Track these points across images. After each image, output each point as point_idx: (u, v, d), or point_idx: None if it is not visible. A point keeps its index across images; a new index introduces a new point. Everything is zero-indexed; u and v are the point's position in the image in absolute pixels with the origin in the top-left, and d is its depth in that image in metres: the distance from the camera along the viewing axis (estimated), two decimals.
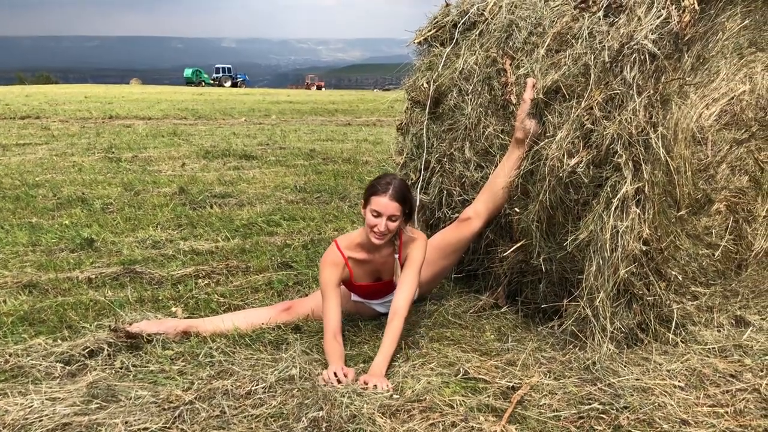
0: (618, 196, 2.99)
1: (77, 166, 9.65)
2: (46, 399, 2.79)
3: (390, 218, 3.28)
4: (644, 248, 3.04)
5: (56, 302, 4.04)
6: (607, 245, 3.02)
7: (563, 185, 3.18)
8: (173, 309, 3.99)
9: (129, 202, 7.13)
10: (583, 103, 3.12)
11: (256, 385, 2.92)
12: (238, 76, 63.58)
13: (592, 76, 3.14)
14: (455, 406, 2.71)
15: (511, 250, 3.61)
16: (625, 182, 2.98)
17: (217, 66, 64.63)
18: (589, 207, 3.14)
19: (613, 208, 3.00)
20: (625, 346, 3.20)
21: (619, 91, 3.04)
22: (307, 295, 4.05)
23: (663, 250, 3.22)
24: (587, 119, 3.09)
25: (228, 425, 2.60)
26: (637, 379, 2.94)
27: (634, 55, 3.00)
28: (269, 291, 4.35)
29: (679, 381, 2.96)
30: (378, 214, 3.27)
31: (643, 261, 3.15)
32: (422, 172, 4.09)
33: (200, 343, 3.42)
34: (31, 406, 2.73)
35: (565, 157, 3.11)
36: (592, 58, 3.18)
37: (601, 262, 3.06)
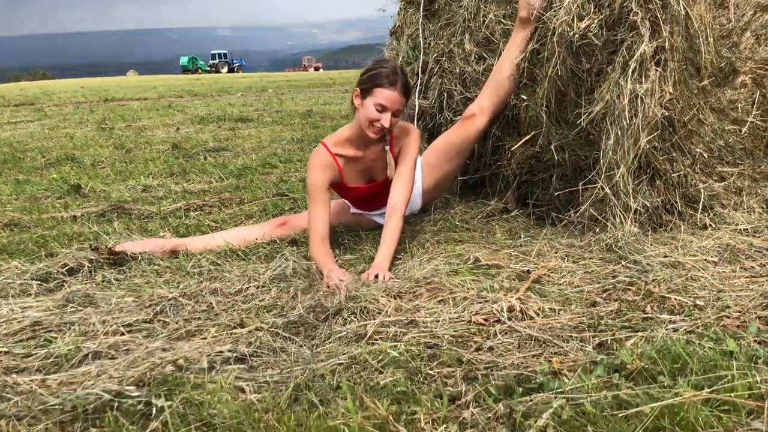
0: (635, 57, 2.71)
1: (69, 136, 9.40)
2: (18, 308, 2.54)
3: (394, 113, 3.01)
4: (666, 114, 2.75)
5: (37, 234, 3.79)
6: (626, 112, 2.74)
7: (574, 54, 2.89)
8: (162, 234, 3.73)
9: (120, 159, 6.88)
10: None
11: (248, 284, 2.67)
12: (235, 61, 62.99)
13: None
14: (466, 286, 2.45)
15: (520, 143, 3.33)
16: (643, 41, 2.69)
17: (213, 52, 63.96)
18: (604, 76, 2.86)
19: (630, 71, 2.72)
20: (650, 229, 2.92)
21: None
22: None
23: (686, 123, 2.93)
24: None
25: (216, 317, 2.34)
26: (665, 256, 2.67)
27: None
28: (264, 216, 4.08)
29: (711, 257, 2.69)
30: (383, 108, 2.98)
31: (665, 134, 2.87)
32: (420, 75, 3.80)
33: (189, 259, 3.17)
34: (1, 311, 2.48)
35: (575, 21, 2.82)
36: None
37: (619, 133, 2.78)
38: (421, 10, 3.78)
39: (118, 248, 3.23)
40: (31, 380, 1.81)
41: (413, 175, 3.14)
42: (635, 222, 2.85)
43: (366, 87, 3.05)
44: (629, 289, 2.37)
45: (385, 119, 2.98)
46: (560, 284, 2.47)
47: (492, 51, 3.48)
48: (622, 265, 2.61)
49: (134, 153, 7.26)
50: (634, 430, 1.36)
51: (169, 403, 1.62)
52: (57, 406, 1.65)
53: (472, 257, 2.76)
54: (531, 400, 1.50)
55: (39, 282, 2.89)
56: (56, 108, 15.68)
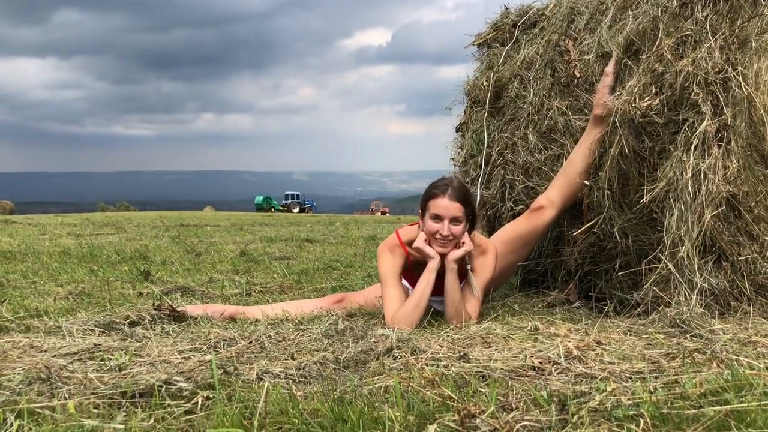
0: (696, 134, 2.74)
1: (144, 245, 9.82)
2: (79, 338, 2.61)
3: (453, 221, 2.99)
4: (731, 190, 2.73)
5: (104, 299, 3.92)
6: (689, 187, 2.73)
7: (636, 133, 2.95)
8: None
9: (190, 260, 7.12)
10: (653, 49, 2.94)
11: (302, 336, 2.67)
12: (307, 202, 65.35)
13: (661, 26, 2.98)
14: (523, 347, 2.38)
15: (582, 229, 3.33)
16: (704, 119, 2.74)
17: (286, 193, 66.70)
18: (667, 154, 2.89)
19: (693, 148, 2.74)
20: (716, 312, 2.81)
21: (690, 32, 2.87)
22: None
23: (752, 208, 2.90)
24: (658, 64, 2.91)
25: (268, 354, 2.34)
26: (734, 334, 2.54)
27: None
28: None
29: None
30: (439, 218, 3.00)
31: (730, 217, 2.84)
32: (483, 167, 3.91)
33: (247, 323, 3.20)
34: (63, 340, 2.55)
35: (637, 100, 2.90)
36: (660, 11, 3.03)
37: (683, 208, 2.76)
38: (486, 107, 3.95)
39: (179, 309, 3.30)
40: (85, 373, 1.83)
41: (481, 296, 3.10)
42: (701, 303, 2.75)
43: (423, 206, 3.11)
44: (694, 354, 2.26)
45: (443, 228, 2.97)
46: (622, 350, 2.37)
47: (554, 141, 3.57)
48: (688, 339, 2.50)
49: (203, 257, 7.50)
50: (694, 425, 1.27)
51: (215, 393, 1.61)
52: (107, 390, 1.66)
53: (530, 325, 2.70)
54: (584, 401, 1.43)
55: (101, 329, 2.96)
56: (135, 228, 16.47)
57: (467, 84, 4.16)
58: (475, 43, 4.21)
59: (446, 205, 3.00)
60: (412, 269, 3.22)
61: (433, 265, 2.98)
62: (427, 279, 2.97)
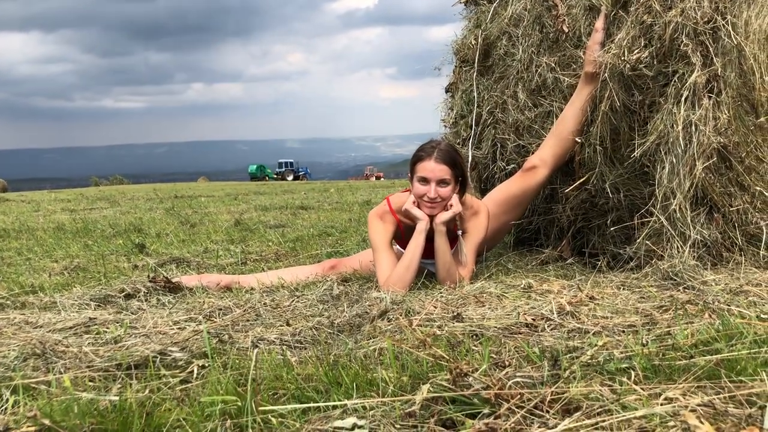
0: (686, 85, 2.72)
1: (138, 218, 9.80)
2: (74, 312, 2.61)
3: (440, 183, 2.97)
4: (722, 141, 2.72)
5: (99, 273, 3.92)
6: (680, 139, 2.72)
7: (626, 87, 2.92)
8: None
9: (185, 232, 7.11)
10: (641, 0, 2.90)
11: (297, 302, 2.68)
12: (301, 169, 65.12)
13: None
14: (516, 302, 2.39)
15: (574, 185, 3.32)
16: (694, 70, 2.71)
17: (280, 161, 66.39)
18: (657, 107, 2.87)
19: (683, 100, 2.72)
20: (709, 264, 2.82)
21: None
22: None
23: (743, 159, 2.89)
24: (647, 15, 2.87)
25: (263, 321, 2.35)
26: (726, 284, 2.56)
27: None
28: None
29: None
30: (425, 181, 2.99)
31: (721, 168, 2.83)
32: (473, 127, 3.88)
33: (242, 292, 3.21)
34: (59, 315, 2.55)
35: (626, 54, 2.88)
36: None
37: (674, 161, 2.75)
38: (476, 66, 3.91)
39: (175, 280, 3.30)
40: (80, 347, 1.83)
41: (473, 258, 3.10)
42: (693, 255, 2.76)
43: (411, 169, 3.09)
44: (687, 306, 2.28)
45: (430, 190, 2.96)
46: (615, 304, 2.39)
47: (544, 98, 3.54)
48: (681, 290, 2.51)
49: (198, 228, 7.50)
50: (685, 375, 1.28)
51: (209, 362, 1.61)
52: (102, 363, 1.66)
53: (524, 283, 2.71)
54: (576, 356, 1.44)
55: (97, 303, 2.96)
56: (129, 201, 16.43)
57: (455, 43, 4.11)
58: (462, 0, 4.15)
59: (432, 168, 2.98)
60: (405, 236, 3.21)
61: (421, 227, 2.98)
62: (416, 241, 2.98)
